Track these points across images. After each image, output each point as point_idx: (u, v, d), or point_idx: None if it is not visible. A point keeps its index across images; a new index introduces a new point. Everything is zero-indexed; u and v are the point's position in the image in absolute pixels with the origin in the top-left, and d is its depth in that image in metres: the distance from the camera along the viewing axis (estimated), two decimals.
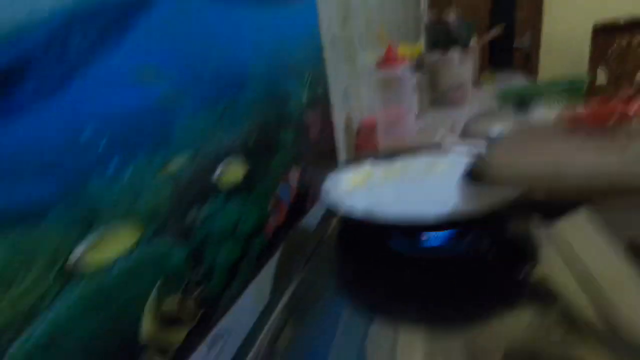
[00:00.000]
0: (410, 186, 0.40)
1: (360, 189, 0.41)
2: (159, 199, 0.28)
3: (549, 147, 0.28)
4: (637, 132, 0.23)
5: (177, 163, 0.30)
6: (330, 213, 0.51)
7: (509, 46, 2.97)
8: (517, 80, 1.70)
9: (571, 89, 0.89)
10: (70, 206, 0.21)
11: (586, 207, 0.40)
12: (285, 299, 0.39)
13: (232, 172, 0.37)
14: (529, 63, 2.94)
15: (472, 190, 0.37)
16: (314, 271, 0.41)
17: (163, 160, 0.28)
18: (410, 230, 0.37)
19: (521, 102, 0.75)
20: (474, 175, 0.32)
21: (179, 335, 0.30)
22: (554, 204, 0.34)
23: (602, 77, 2.28)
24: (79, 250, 0.22)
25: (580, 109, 0.28)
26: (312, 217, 0.54)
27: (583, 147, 0.25)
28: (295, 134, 0.51)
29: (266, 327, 0.36)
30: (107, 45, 0.24)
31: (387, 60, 0.67)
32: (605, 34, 2.23)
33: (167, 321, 0.29)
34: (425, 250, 0.38)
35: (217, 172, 0.35)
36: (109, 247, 0.24)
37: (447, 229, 0.36)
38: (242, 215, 0.39)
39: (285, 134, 0.48)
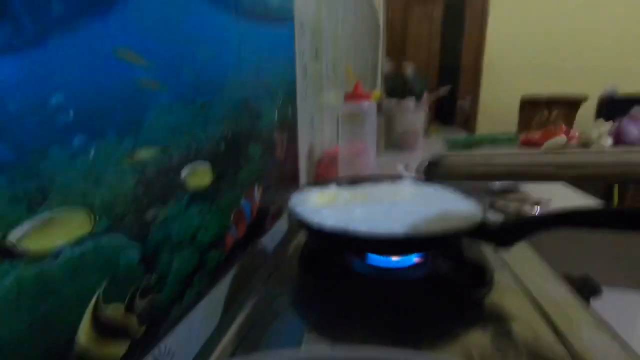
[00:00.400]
0: (376, 208, 0.40)
1: (327, 207, 0.41)
2: (119, 188, 0.26)
3: (492, 152, 0.32)
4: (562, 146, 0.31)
5: (146, 153, 0.28)
6: (291, 233, 0.50)
7: (452, 106, 3.31)
8: (460, 134, 1.88)
9: (509, 140, 1.01)
10: (22, 176, 0.19)
11: (531, 242, 0.44)
12: (239, 319, 0.36)
13: (198, 175, 0.35)
14: (468, 122, 3.29)
15: (434, 215, 0.38)
16: (272, 290, 0.39)
17: (131, 147, 0.26)
18: (378, 249, 0.37)
19: (467, 148, 0.82)
20: (429, 169, 0.35)
21: (118, 349, 0.26)
22: (506, 233, 0.37)
23: None
24: (22, 229, 0.19)
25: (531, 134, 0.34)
26: (272, 237, 0.52)
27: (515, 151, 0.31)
28: (263, 151, 0.51)
29: (217, 350, 0.33)
30: (90, 16, 0.22)
31: (355, 95, 0.71)
32: (530, 106, 2.60)
33: (108, 330, 0.25)
34: (387, 271, 0.38)
35: (184, 172, 0.33)
36: (56, 232, 0.21)
37: (410, 250, 0.37)
38: (203, 224, 0.37)
39: (254, 148, 0.48)
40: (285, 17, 0.58)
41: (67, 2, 0.21)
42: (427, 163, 0.33)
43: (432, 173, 0.33)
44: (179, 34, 0.31)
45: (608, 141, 0.52)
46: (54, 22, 0.20)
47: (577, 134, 0.62)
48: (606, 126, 0.56)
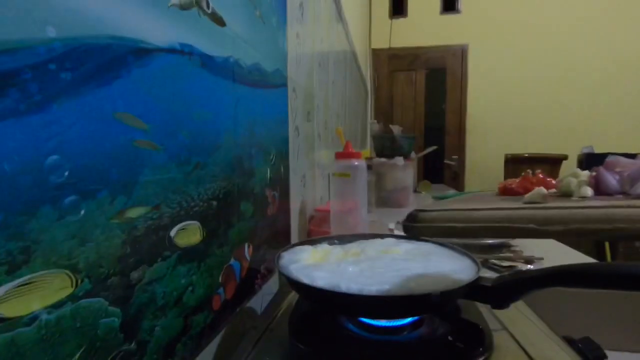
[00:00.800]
0: (368, 266, 0.40)
1: (318, 266, 0.40)
2: (106, 248, 0.25)
3: (473, 204, 0.32)
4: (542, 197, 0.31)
5: (136, 212, 0.28)
6: (282, 293, 0.48)
7: (440, 164, 3.43)
8: (449, 191, 1.91)
9: None
10: (7, 237, 0.18)
11: (527, 300, 0.43)
12: None
13: (188, 234, 0.35)
14: (456, 179, 3.38)
15: (428, 274, 0.38)
16: (261, 355, 0.37)
17: (122, 206, 0.26)
18: (370, 311, 0.35)
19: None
20: (408, 225, 0.34)
21: None
22: (502, 293, 0.36)
23: None
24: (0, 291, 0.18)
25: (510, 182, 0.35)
26: (262, 297, 0.50)
27: (495, 203, 0.31)
28: (255, 209, 0.51)
29: None
30: (93, 85, 0.24)
31: (346, 153, 0.73)
32: (514, 163, 2.72)
33: None
34: (381, 332, 0.36)
35: (174, 231, 0.33)
36: (34, 296, 0.20)
37: (404, 311, 0.36)
38: (190, 285, 0.35)
39: (245, 206, 0.48)
40: (280, 83, 0.62)
41: (75, 72, 0.22)
42: (406, 219, 0.34)
43: (411, 229, 0.33)
44: (178, 98, 0.33)
45: (588, 191, 0.53)
46: (59, 89, 0.21)
47: (555, 182, 0.64)
48: (584, 175, 0.58)
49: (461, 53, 3.38)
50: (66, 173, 0.22)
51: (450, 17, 3.39)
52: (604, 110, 3.17)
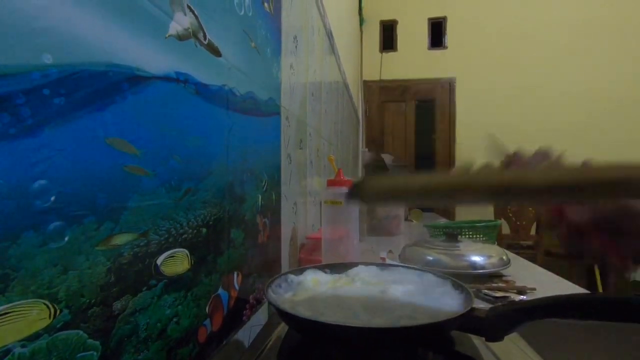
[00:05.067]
0: (359, 295, 0.39)
1: (308, 295, 0.39)
2: (89, 277, 0.24)
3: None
4: None
5: (123, 238, 0.27)
6: (271, 324, 0.46)
7: None
8: (440, 220, 1.92)
9: (488, 227, 1.03)
10: None
11: (520, 333, 0.42)
12: None
13: (176, 261, 0.34)
14: (447, 209, 3.39)
15: (419, 304, 0.37)
16: None
17: (109, 232, 0.26)
18: (358, 343, 0.34)
19: (450, 233, 0.84)
20: (352, 191, 0.34)
21: None
22: (496, 325, 0.36)
23: (506, 228, 2.72)
24: None
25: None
26: (250, 329, 0.48)
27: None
28: (246, 236, 0.50)
29: None
30: (87, 110, 0.24)
31: (337, 181, 0.73)
32: None
33: None
34: None
35: (161, 258, 0.32)
36: (10, 328, 0.19)
37: (394, 343, 0.34)
38: (176, 314, 0.34)
39: (236, 233, 0.47)
40: (273, 112, 0.63)
41: (69, 97, 0.22)
42: (351, 186, 0.33)
43: (355, 195, 0.32)
44: (172, 124, 0.33)
45: None
46: (52, 114, 0.21)
47: None
48: None
49: (449, 86, 3.51)
50: (52, 198, 0.21)
51: (437, 52, 3.55)
52: (592, 143, 3.27)
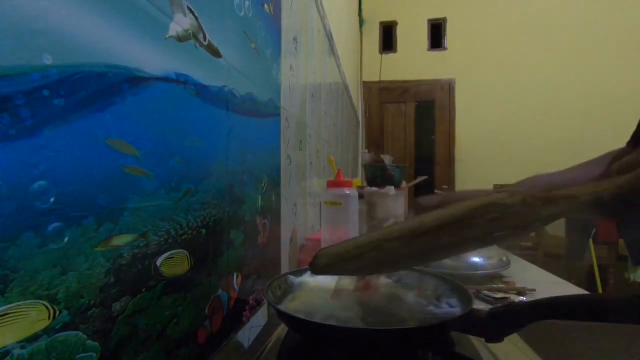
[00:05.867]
0: (359, 297, 0.39)
1: (308, 296, 0.39)
2: (88, 277, 0.24)
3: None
4: None
5: (122, 239, 0.27)
6: (271, 325, 0.46)
7: (430, 194, 3.45)
8: None
9: None
10: None
11: (520, 333, 0.42)
12: None
13: (176, 262, 0.34)
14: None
15: (419, 305, 0.37)
16: None
17: (108, 233, 0.26)
18: (360, 343, 0.34)
19: None
20: (313, 262, 0.34)
21: None
22: (496, 326, 0.36)
23: None
24: None
25: None
26: (249, 330, 0.48)
27: None
28: (245, 237, 0.50)
29: None
30: (87, 111, 0.24)
31: (337, 182, 0.73)
32: None
33: None
34: None
35: (160, 259, 0.32)
36: (8, 329, 0.19)
37: (394, 344, 0.34)
38: (176, 315, 0.34)
39: (235, 234, 0.47)
40: (273, 113, 0.63)
41: (68, 98, 0.22)
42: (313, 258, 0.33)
43: (315, 266, 0.33)
44: (171, 125, 0.33)
45: None
46: (52, 115, 0.21)
47: None
48: None
49: (448, 87, 3.52)
50: (52, 199, 0.21)
51: (437, 53, 3.55)
52: (589, 142, 3.27)
